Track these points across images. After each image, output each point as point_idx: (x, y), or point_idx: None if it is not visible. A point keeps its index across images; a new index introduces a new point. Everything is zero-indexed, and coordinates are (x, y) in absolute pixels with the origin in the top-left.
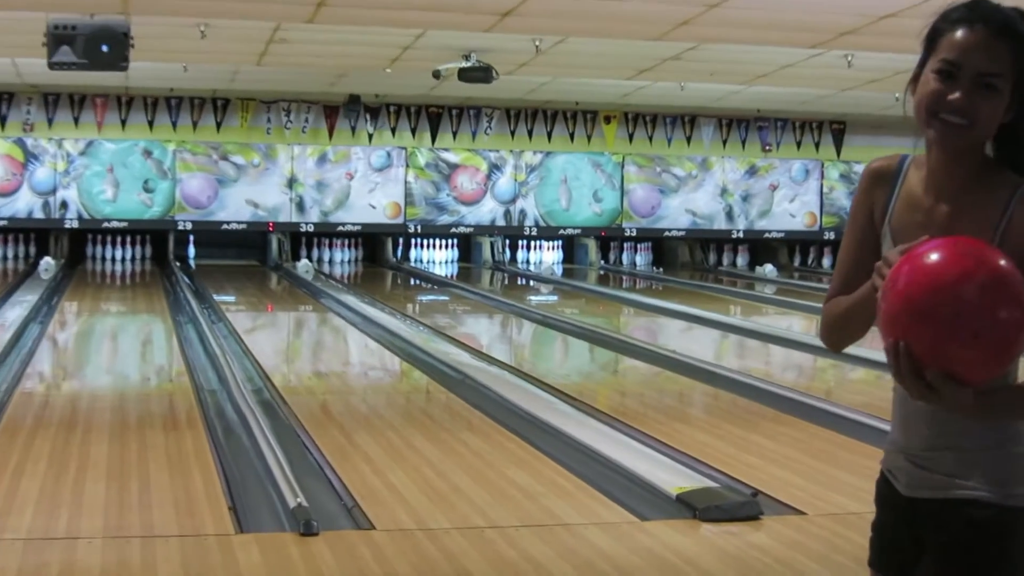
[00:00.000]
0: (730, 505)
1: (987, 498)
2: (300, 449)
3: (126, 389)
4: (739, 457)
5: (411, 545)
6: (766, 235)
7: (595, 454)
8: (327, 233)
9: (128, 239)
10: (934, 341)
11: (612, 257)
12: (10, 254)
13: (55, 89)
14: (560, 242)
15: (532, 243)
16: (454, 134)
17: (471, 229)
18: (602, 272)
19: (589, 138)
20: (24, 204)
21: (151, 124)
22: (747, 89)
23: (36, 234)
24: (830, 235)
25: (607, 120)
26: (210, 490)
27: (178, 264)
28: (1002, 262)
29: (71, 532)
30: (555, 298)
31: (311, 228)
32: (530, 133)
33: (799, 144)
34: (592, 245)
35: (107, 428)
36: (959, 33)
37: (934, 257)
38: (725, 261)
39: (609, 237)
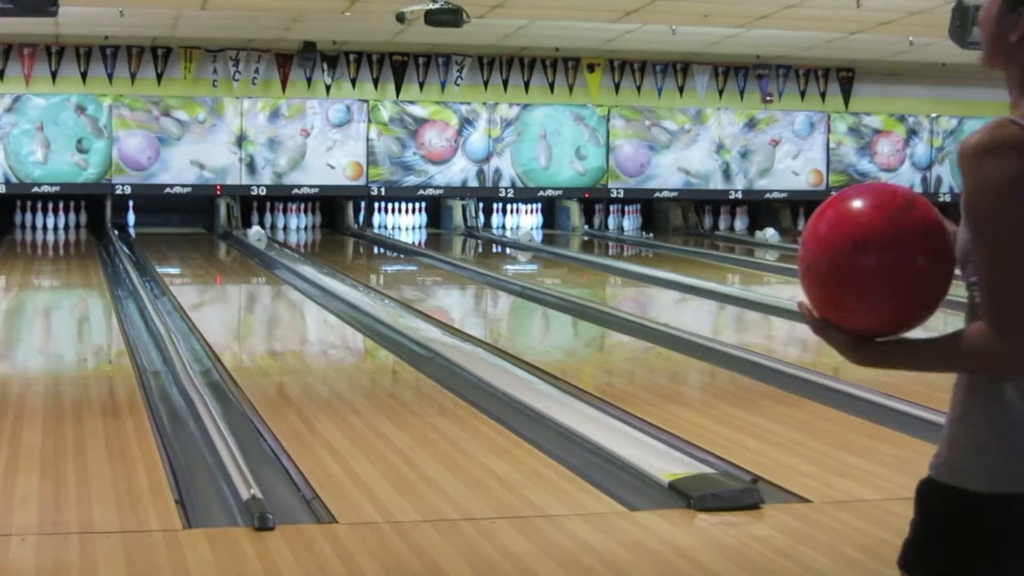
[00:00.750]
0: (728, 493)
1: (935, 475)
2: (253, 436)
3: (61, 372)
4: (738, 440)
5: (377, 539)
6: (767, 195)
7: (579, 439)
8: (281, 197)
9: (60, 205)
10: (802, 273)
11: (597, 221)
12: None
13: None
14: (539, 205)
15: (508, 206)
16: (421, 85)
17: (441, 191)
18: (586, 238)
19: (571, 88)
20: None
21: (84, 76)
22: (745, 33)
23: None
24: None
25: (591, 68)
26: (155, 482)
27: (116, 232)
28: (881, 214)
29: (2, 529)
30: (534, 267)
31: (263, 191)
32: (505, 84)
33: (803, 94)
34: (575, 208)
35: (40, 415)
36: None
37: (841, 198)
38: (722, 225)
39: (593, 199)
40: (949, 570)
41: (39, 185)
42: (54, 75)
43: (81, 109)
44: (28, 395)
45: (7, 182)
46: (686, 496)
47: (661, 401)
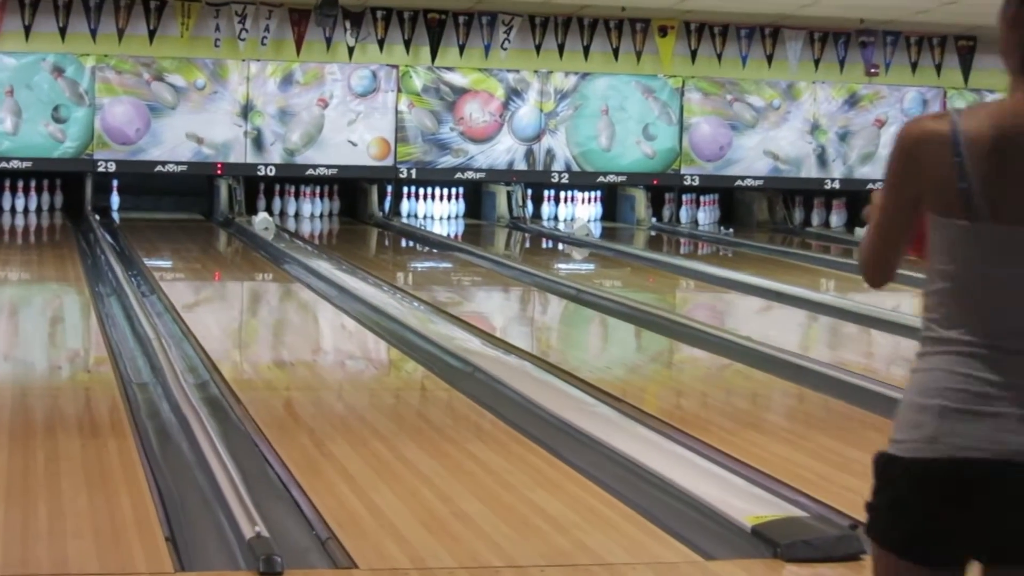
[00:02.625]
0: (822, 540)
1: None
2: (258, 462)
3: (30, 382)
4: (833, 477)
5: None
6: (870, 186)
7: (644, 472)
8: (293, 178)
9: (33, 184)
10: None
11: (667, 213)
12: None
13: None
14: (599, 193)
15: (562, 194)
16: (461, 49)
17: (482, 175)
18: (653, 233)
19: (639, 56)
20: None
21: (63, 33)
22: None
23: None
24: None
25: (662, 32)
26: (141, 515)
27: (98, 217)
28: None
29: None
30: (591, 266)
31: (272, 171)
32: (561, 49)
33: (915, 66)
34: (641, 197)
35: (5, 433)
36: None
37: None
38: (816, 220)
39: (663, 187)
40: None
41: (7, 160)
42: (27, 30)
43: (59, 71)
44: None
45: None
46: (772, 543)
47: (740, 429)
